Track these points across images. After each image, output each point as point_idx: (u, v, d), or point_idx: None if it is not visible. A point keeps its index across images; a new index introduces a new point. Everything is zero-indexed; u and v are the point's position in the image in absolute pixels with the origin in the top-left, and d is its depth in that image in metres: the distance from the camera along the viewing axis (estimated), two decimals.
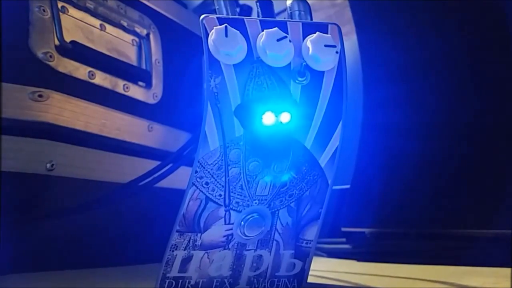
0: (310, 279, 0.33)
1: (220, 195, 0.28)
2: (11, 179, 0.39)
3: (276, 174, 0.29)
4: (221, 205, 0.29)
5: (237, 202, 0.29)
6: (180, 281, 0.29)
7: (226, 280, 0.30)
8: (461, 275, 0.43)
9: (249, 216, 0.29)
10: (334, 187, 0.31)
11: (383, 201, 0.57)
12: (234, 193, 0.29)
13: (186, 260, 0.29)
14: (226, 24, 0.27)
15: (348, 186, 0.60)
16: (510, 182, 0.48)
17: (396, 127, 0.58)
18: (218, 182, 0.28)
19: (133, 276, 0.46)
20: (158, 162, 0.50)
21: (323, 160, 0.30)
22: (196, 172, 0.28)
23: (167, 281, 0.29)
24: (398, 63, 0.59)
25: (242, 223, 0.29)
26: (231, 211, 0.29)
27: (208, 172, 0.28)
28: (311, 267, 0.33)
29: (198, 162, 0.28)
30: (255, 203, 0.29)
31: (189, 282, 0.29)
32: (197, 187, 0.28)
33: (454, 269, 0.46)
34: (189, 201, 0.28)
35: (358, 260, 0.59)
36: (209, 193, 0.28)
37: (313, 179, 0.30)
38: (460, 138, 0.53)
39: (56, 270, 0.43)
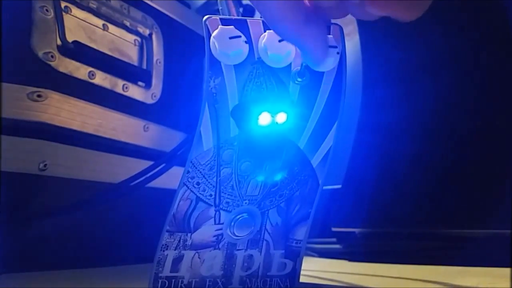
0: (302, 279, 0.33)
1: (210, 195, 0.29)
2: (3, 179, 0.39)
3: (268, 174, 0.30)
4: (211, 205, 0.29)
5: (227, 202, 0.29)
6: (173, 280, 0.29)
7: (218, 280, 0.30)
8: (454, 275, 0.43)
9: (239, 216, 0.30)
10: (325, 187, 0.31)
11: (374, 201, 0.57)
12: (225, 193, 0.29)
13: (177, 260, 0.29)
14: (228, 25, 0.27)
15: (339, 186, 0.60)
16: (501, 182, 0.48)
17: (391, 128, 0.58)
18: (209, 182, 0.28)
19: (126, 276, 0.46)
20: (152, 162, 0.50)
21: (315, 161, 0.30)
22: (188, 172, 0.28)
23: (160, 281, 0.29)
24: (400, 64, 0.59)
25: (232, 223, 0.29)
26: (221, 211, 0.29)
27: (200, 172, 0.28)
28: (303, 267, 0.33)
29: (191, 162, 0.28)
30: (245, 203, 0.29)
31: (182, 282, 0.29)
32: (188, 187, 0.28)
33: (446, 269, 0.46)
34: (179, 201, 0.28)
35: (349, 260, 0.59)
36: (200, 193, 0.28)
37: (304, 179, 0.31)
38: (452, 138, 0.53)
39: (48, 270, 0.43)
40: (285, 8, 0.21)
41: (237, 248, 0.30)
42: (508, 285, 0.35)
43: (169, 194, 0.29)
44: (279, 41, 0.27)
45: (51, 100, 0.43)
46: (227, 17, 0.28)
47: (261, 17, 0.29)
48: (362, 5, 0.20)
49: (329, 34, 0.28)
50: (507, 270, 0.40)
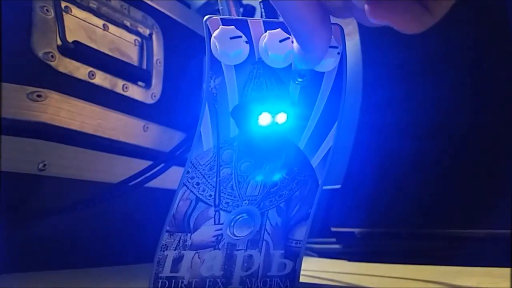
0: (302, 279, 0.33)
1: (210, 195, 0.29)
2: (2, 179, 0.39)
3: (268, 174, 0.30)
4: (211, 206, 0.29)
5: (227, 203, 0.29)
6: (173, 281, 0.29)
7: (218, 280, 0.30)
8: (454, 275, 0.43)
9: (238, 217, 0.30)
10: (325, 187, 0.31)
11: (374, 201, 0.57)
12: (225, 194, 0.29)
13: (177, 260, 0.29)
14: (229, 25, 0.26)
15: (339, 186, 0.60)
16: (501, 183, 0.48)
17: (391, 129, 0.58)
18: (209, 182, 0.28)
19: (126, 276, 0.46)
20: (151, 162, 0.50)
21: (315, 161, 0.30)
22: (187, 172, 0.28)
23: (160, 281, 0.29)
24: (400, 64, 0.59)
25: (232, 223, 0.30)
26: (221, 211, 0.29)
27: (200, 172, 0.28)
28: (303, 267, 0.33)
29: (191, 162, 0.28)
30: (245, 203, 0.30)
31: (182, 282, 0.29)
32: (187, 188, 0.28)
33: (445, 269, 0.46)
34: (179, 201, 0.28)
35: (349, 260, 0.59)
36: (200, 194, 0.28)
37: (303, 179, 0.31)
38: (452, 138, 0.53)
39: (48, 270, 0.43)
40: (305, 6, 0.21)
41: (237, 248, 0.30)
42: (508, 285, 0.35)
43: (168, 194, 0.29)
44: (280, 41, 0.27)
45: (50, 100, 0.43)
46: (228, 17, 0.28)
47: (261, 18, 0.29)
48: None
49: None
50: (507, 270, 0.40)
